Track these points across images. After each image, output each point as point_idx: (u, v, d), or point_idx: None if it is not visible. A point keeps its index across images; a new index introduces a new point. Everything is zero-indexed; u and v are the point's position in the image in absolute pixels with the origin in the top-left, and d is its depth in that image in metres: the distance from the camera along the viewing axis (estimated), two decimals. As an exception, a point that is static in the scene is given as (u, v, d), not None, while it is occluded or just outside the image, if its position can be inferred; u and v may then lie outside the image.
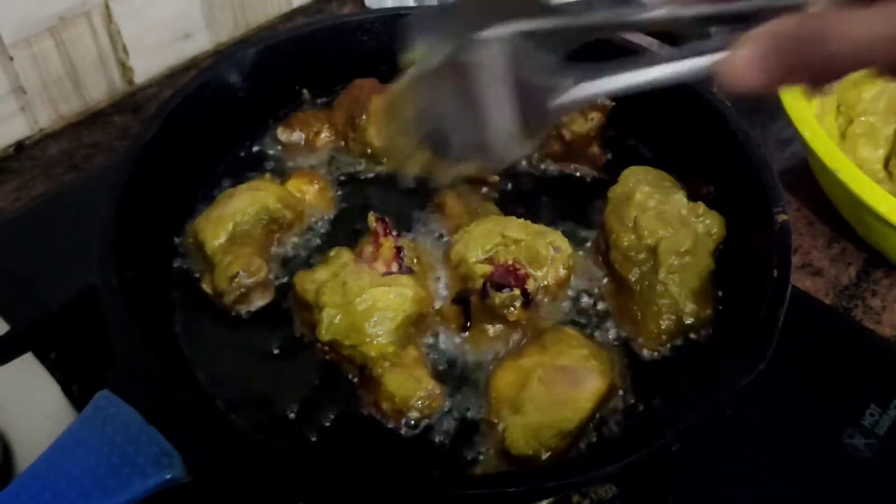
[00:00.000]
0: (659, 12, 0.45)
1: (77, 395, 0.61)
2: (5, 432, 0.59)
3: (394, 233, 0.60)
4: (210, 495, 0.54)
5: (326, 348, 0.57)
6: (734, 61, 0.39)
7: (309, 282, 0.58)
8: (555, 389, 0.53)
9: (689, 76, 0.42)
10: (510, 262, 0.58)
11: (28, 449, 0.58)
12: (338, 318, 0.56)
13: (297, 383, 0.57)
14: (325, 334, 0.56)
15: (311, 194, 0.68)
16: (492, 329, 0.59)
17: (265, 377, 0.58)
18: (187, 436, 0.47)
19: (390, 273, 0.58)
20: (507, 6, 0.46)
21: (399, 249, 0.59)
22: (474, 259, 0.59)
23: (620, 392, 0.56)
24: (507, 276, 0.58)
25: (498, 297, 0.57)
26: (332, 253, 0.60)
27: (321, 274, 0.58)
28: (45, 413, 0.60)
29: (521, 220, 0.62)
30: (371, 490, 0.49)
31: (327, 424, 0.55)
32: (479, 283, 0.58)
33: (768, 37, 0.39)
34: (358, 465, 0.50)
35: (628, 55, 0.44)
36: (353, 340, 0.56)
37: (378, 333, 0.56)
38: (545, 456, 0.52)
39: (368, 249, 0.59)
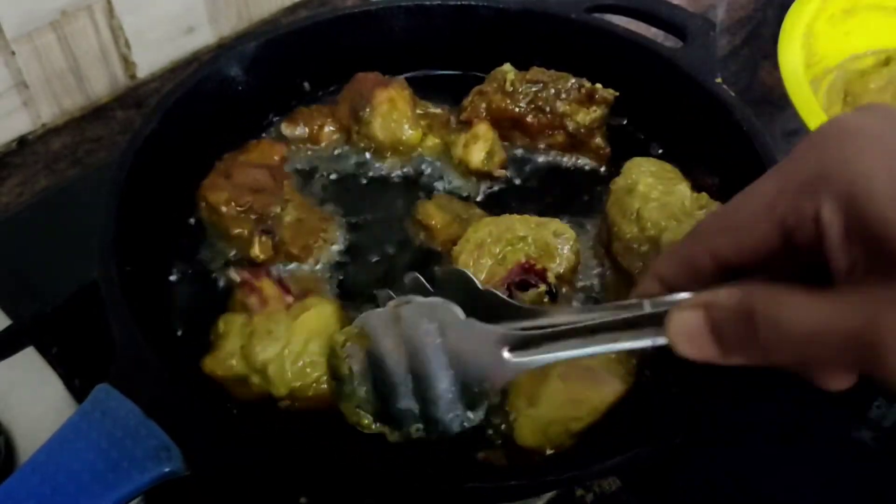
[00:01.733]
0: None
1: (79, 388, 0.61)
2: (7, 426, 0.59)
3: (266, 271, 0.59)
4: (209, 489, 0.54)
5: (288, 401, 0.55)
6: (676, 331, 0.38)
7: (225, 359, 0.55)
8: (573, 388, 0.53)
9: (632, 347, 0.42)
10: (524, 261, 0.58)
11: (30, 443, 0.58)
12: (287, 364, 0.54)
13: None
14: (282, 388, 0.53)
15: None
16: None
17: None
18: (186, 429, 0.46)
19: (291, 304, 0.57)
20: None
21: (280, 280, 0.59)
22: (483, 275, 0.58)
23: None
24: (527, 275, 0.58)
25: (527, 298, 0.57)
26: (221, 327, 0.57)
27: (230, 346, 0.55)
28: (47, 407, 0.60)
29: (517, 216, 0.61)
30: (372, 483, 0.48)
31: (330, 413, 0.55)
32: (501, 291, 0.57)
33: (705, 306, 0.38)
34: (359, 459, 0.50)
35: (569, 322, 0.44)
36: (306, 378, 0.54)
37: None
38: (549, 451, 0.51)
39: (253, 301, 0.57)
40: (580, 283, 0.62)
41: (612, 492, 0.58)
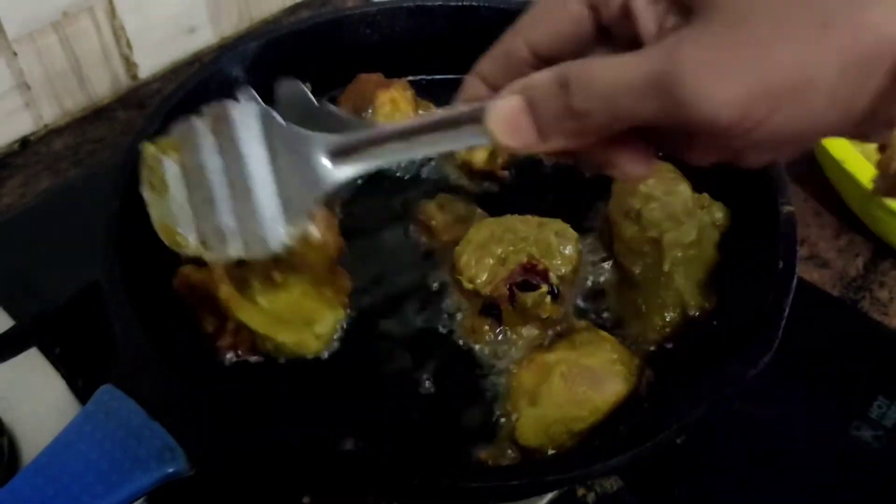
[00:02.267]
0: None
1: (82, 389, 0.61)
2: (11, 427, 0.59)
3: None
4: (213, 489, 0.54)
5: None
6: (495, 118, 0.38)
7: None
8: (575, 388, 0.53)
9: (455, 147, 0.41)
10: (525, 261, 0.58)
11: (34, 444, 0.58)
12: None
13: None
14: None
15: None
16: (525, 330, 0.58)
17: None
18: (190, 430, 0.47)
19: None
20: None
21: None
22: (485, 275, 0.58)
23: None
24: (529, 275, 0.58)
25: (529, 298, 0.57)
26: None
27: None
28: (50, 408, 0.60)
29: (519, 216, 0.61)
30: (375, 483, 0.49)
31: (333, 409, 0.55)
32: (503, 291, 0.57)
33: (522, 89, 0.37)
34: (361, 458, 0.50)
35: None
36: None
37: None
38: (550, 451, 0.52)
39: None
40: (582, 285, 0.62)
41: (613, 491, 0.58)
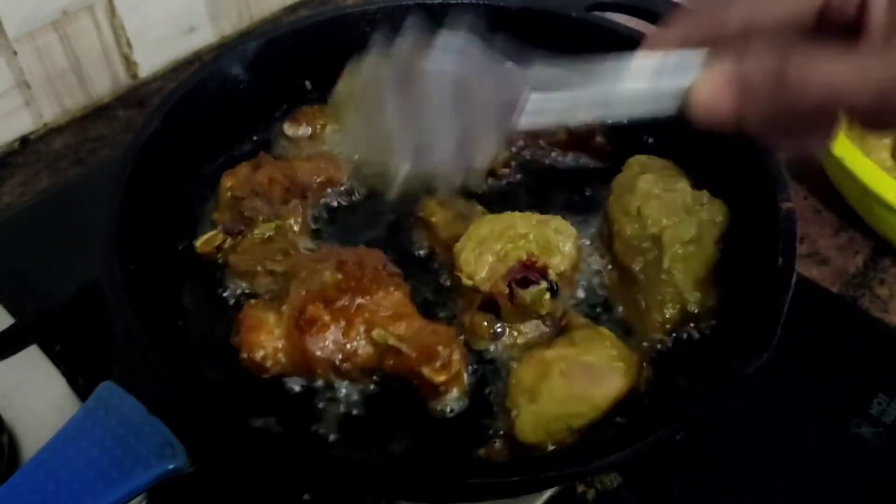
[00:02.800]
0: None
1: (82, 386, 0.61)
2: (11, 424, 0.59)
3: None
4: (214, 486, 0.54)
5: None
6: (701, 92, 0.39)
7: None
8: (574, 384, 0.53)
9: (658, 109, 0.41)
10: (525, 258, 0.58)
11: (34, 441, 0.58)
12: None
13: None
14: None
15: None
16: (525, 327, 0.59)
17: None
18: (190, 426, 0.47)
19: None
20: None
21: None
22: (484, 272, 0.58)
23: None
24: (528, 272, 0.58)
25: (528, 295, 0.57)
26: None
27: None
28: (50, 405, 0.60)
29: (519, 213, 0.61)
30: (374, 480, 0.49)
31: (334, 408, 0.55)
32: (502, 288, 0.58)
33: (736, 71, 0.38)
34: (361, 458, 0.50)
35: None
36: None
37: None
38: (550, 447, 0.52)
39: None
40: (582, 282, 0.62)
41: (613, 488, 0.58)
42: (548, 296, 0.57)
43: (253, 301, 0.58)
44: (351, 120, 0.48)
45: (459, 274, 0.59)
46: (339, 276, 0.55)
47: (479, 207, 0.66)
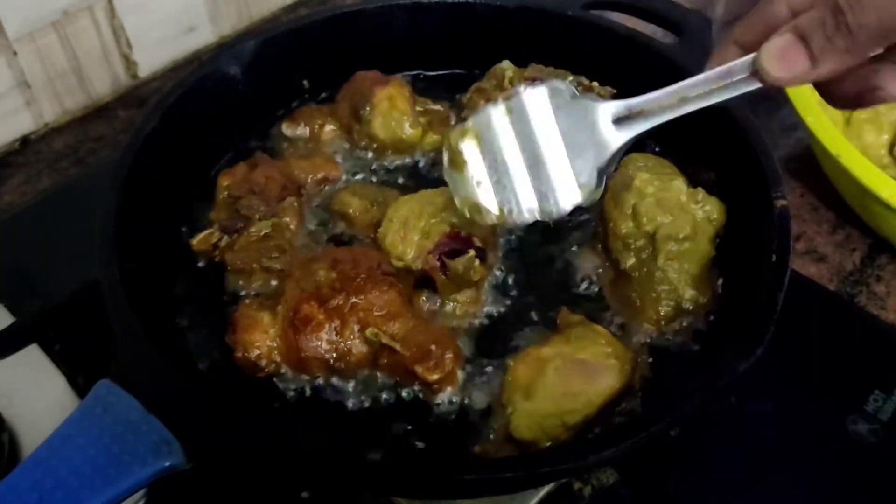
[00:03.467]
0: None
1: (82, 385, 0.62)
2: (11, 423, 0.59)
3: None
4: (213, 483, 0.54)
5: None
6: (767, 55, 0.41)
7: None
8: (569, 381, 0.53)
9: (725, 97, 0.46)
10: (449, 230, 0.59)
11: (34, 440, 0.58)
12: None
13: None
14: None
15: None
16: (462, 295, 0.60)
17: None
18: (188, 424, 0.47)
19: None
20: None
21: None
22: (412, 251, 0.59)
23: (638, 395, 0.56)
24: (455, 243, 0.59)
25: (460, 264, 0.58)
26: None
27: None
28: (50, 404, 0.61)
29: (433, 189, 0.62)
30: (371, 477, 0.49)
31: (330, 405, 0.56)
32: (433, 263, 0.59)
33: (793, 28, 0.41)
34: (356, 453, 0.50)
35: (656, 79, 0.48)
36: None
37: None
38: (545, 444, 0.52)
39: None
40: (583, 286, 0.63)
41: (609, 485, 0.58)
42: (477, 262, 0.58)
43: (248, 300, 0.58)
44: (470, 165, 0.52)
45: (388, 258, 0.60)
46: (334, 275, 0.56)
47: (393, 191, 0.66)
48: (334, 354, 0.55)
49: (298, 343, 0.54)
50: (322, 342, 0.55)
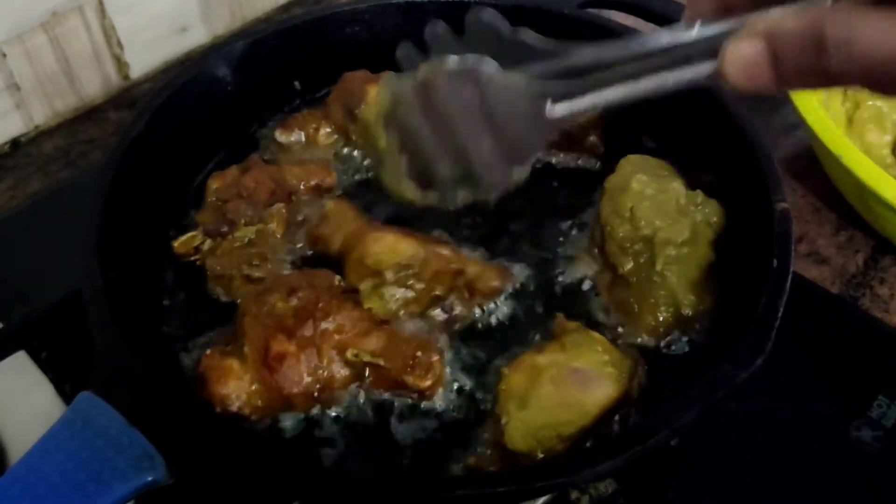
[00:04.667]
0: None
1: (69, 393, 0.60)
2: (-2, 431, 0.59)
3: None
4: (200, 496, 0.53)
5: None
6: (731, 62, 0.36)
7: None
8: (564, 391, 0.52)
9: (683, 85, 0.40)
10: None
11: (21, 449, 0.57)
12: None
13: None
14: None
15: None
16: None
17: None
18: (170, 437, 0.46)
19: None
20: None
21: None
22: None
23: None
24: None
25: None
26: None
27: None
28: (38, 412, 0.60)
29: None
30: (362, 490, 0.48)
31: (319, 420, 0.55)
32: None
33: (766, 35, 0.35)
34: (343, 468, 0.49)
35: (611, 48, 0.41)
36: None
37: None
38: (540, 455, 0.51)
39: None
40: (580, 291, 0.62)
41: (608, 495, 0.57)
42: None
43: (208, 352, 0.55)
44: (384, 144, 0.48)
45: None
46: (295, 302, 0.54)
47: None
48: (318, 385, 0.53)
49: (277, 382, 0.52)
50: (302, 375, 0.53)
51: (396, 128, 0.47)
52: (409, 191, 0.49)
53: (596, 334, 0.56)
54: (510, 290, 0.61)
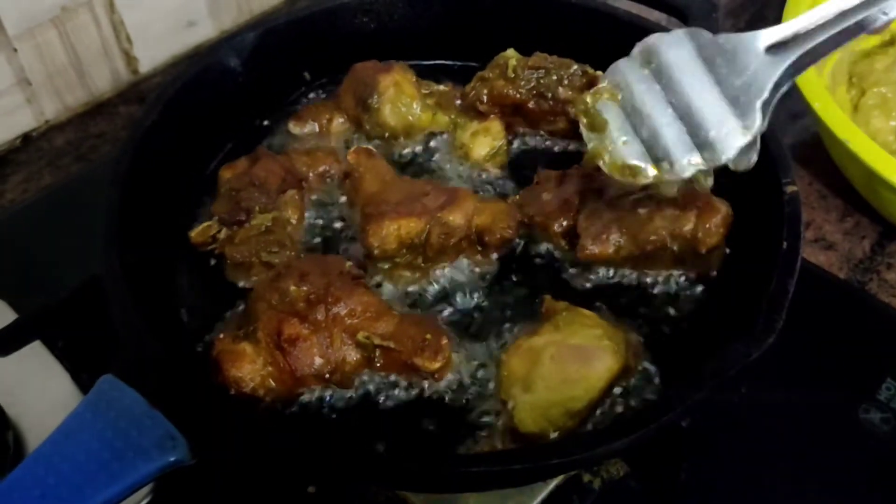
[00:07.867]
0: None
1: (86, 382, 0.61)
2: (16, 421, 0.59)
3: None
4: (220, 477, 0.54)
5: None
6: None
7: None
8: (566, 368, 0.52)
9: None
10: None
11: (39, 437, 0.58)
12: None
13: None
14: None
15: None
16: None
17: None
18: (192, 418, 0.46)
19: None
20: None
21: None
22: None
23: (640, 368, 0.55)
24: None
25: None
26: None
27: None
28: (54, 401, 0.60)
29: None
30: (377, 470, 0.48)
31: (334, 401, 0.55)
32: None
33: None
34: (360, 447, 0.50)
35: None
36: None
37: None
38: (553, 435, 0.51)
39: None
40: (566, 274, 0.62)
41: (619, 477, 0.58)
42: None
43: (221, 336, 0.55)
44: (603, 128, 0.51)
45: None
46: (305, 287, 0.54)
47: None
48: (329, 367, 0.54)
49: (291, 364, 0.53)
50: (314, 357, 0.53)
51: (620, 106, 0.49)
52: (636, 168, 0.50)
53: (586, 311, 0.56)
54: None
